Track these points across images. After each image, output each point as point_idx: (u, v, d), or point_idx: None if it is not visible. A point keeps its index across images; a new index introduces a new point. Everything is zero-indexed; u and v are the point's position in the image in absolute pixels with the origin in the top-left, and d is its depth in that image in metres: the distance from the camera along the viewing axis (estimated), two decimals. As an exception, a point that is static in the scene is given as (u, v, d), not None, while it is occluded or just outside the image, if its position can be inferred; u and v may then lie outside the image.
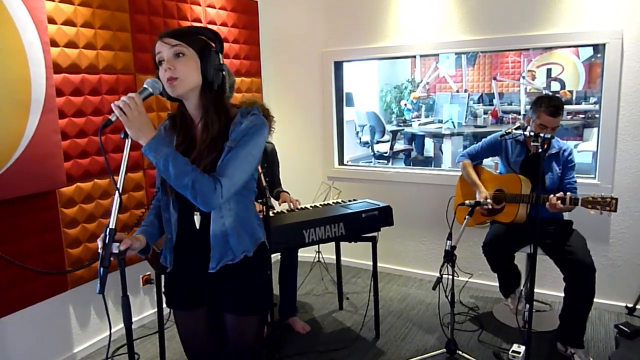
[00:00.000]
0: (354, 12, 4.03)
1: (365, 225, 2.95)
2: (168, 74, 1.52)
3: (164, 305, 3.26)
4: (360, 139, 4.42)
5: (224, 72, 1.57)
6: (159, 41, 1.53)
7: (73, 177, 2.78)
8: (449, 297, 2.69)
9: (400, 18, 3.85)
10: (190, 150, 1.60)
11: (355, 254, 4.26)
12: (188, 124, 1.63)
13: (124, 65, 3.02)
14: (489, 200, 2.88)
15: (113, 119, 1.44)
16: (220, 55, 1.58)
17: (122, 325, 3.15)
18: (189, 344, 1.79)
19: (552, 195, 2.68)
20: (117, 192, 1.46)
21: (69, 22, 2.70)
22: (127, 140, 1.47)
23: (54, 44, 2.62)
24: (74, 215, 2.81)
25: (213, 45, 1.58)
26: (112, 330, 3.16)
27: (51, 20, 2.61)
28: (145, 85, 1.54)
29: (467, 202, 2.80)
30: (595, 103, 3.38)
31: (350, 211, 2.94)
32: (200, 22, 3.51)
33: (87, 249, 2.89)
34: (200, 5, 3.51)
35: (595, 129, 3.40)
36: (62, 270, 2.77)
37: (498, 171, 3.23)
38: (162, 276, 2.76)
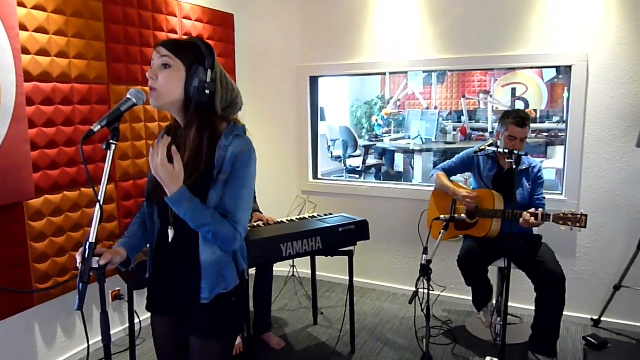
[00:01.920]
0: (330, 28, 4.08)
1: (342, 239, 2.95)
2: (149, 82, 1.51)
3: (140, 320, 3.16)
4: (332, 153, 4.45)
5: (208, 91, 1.51)
6: (154, 49, 1.52)
7: (42, 189, 2.68)
8: (425, 311, 2.71)
9: (376, 36, 3.92)
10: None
11: (329, 269, 4.25)
12: (177, 135, 1.61)
13: (97, 75, 2.95)
14: (463, 216, 2.93)
15: (95, 129, 1.41)
16: (210, 73, 1.51)
17: (91, 342, 3.06)
18: (160, 348, 1.78)
19: (525, 212, 2.76)
20: (98, 204, 1.41)
21: (41, 30, 2.63)
22: (109, 152, 1.44)
23: (25, 51, 2.54)
24: (41, 228, 2.70)
25: (205, 61, 1.52)
26: (81, 348, 3.04)
27: (23, 27, 2.53)
28: (128, 96, 1.51)
29: (442, 216, 2.84)
30: (558, 122, 3.52)
31: (328, 225, 2.94)
32: (176, 33, 3.48)
33: (54, 264, 2.78)
34: (176, 16, 3.48)
35: (558, 147, 3.54)
36: (29, 286, 2.65)
37: (471, 187, 3.30)
38: (135, 291, 2.71)
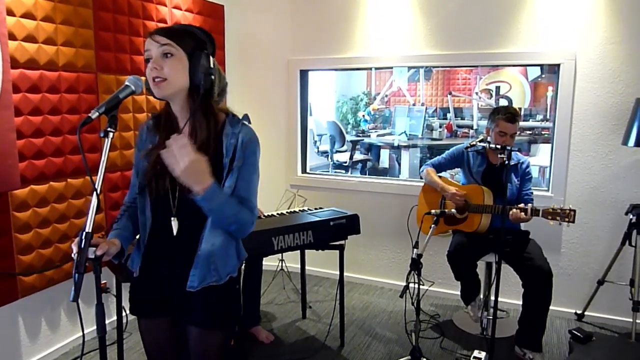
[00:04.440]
0: (321, 21, 4.06)
1: (333, 233, 2.94)
2: (154, 73, 1.47)
3: (127, 313, 3.12)
4: (318, 148, 4.44)
5: (213, 77, 1.52)
6: (149, 38, 1.48)
7: (27, 178, 2.62)
8: (415, 305, 2.73)
9: (368, 30, 3.91)
10: None
11: (316, 263, 4.24)
12: (173, 125, 1.58)
13: (85, 63, 2.88)
14: (453, 210, 2.95)
15: (93, 116, 1.37)
16: (212, 59, 1.53)
17: (76, 336, 3.01)
18: (152, 352, 1.73)
19: (514, 207, 2.79)
20: (95, 193, 1.38)
21: (28, 15, 2.55)
22: (106, 140, 1.40)
23: (11, 37, 2.46)
24: (26, 219, 2.64)
25: (205, 47, 1.52)
26: (66, 342, 2.99)
27: (9, 12, 2.45)
28: (127, 83, 1.48)
29: (433, 211, 2.86)
30: (541, 120, 3.57)
31: (319, 219, 2.93)
32: (166, 23, 3.42)
33: (39, 256, 2.71)
34: (166, 6, 3.42)
35: (542, 145, 3.59)
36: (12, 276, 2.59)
37: (460, 183, 3.33)
38: (123, 284, 2.67)
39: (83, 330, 1.39)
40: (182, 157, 1.37)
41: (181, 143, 1.38)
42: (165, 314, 1.65)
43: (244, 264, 3.17)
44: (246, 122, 1.59)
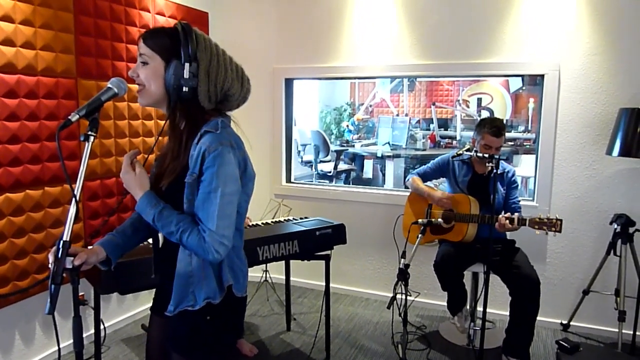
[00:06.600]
0: (306, 30, 4.04)
1: (319, 243, 2.89)
2: (136, 80, 1.43)
3: (105, 326, 3.00)
4: (302, 158, 4.40)
5: (185, 88, 1.38)
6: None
7: (2, 186, 2.52)
8: (402, 316, 2.69)
9: (354, 40, 3.91)
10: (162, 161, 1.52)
11: (300, 274, 4.18)
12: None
13: (65, 68, 2.80)
14: (440, 220, 2.93)
15: (73, 119, 1.31)
16: (188, 66, 1.38)
17: (51, 350, 2.89)
18: (148, 349, 1.69)
19: (501, 216, 2.78)
20: (73, 200, 1.31)
21: (6, 18, 2.48)
22: (87, 144, 1.34)
23: (-12, 40, 2.39)
24: (1, 228, 2.53)
25: (187, 53, 1.39)
26: (41, 357, 2.86)
27: (-14, 15, 2.38)
28: (109, 85, 1.42)
29: (420, 220, 2.83)
30: (523, 131, 3.60)
31: (304, 229, 2.88)
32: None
33: (14, 267, 2.61)
34: (149, 12, 3.36)
35: (523, 156, 3.61)
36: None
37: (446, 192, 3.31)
38: (101, 296, 2.58)
39: (59, 345, 1.31)
40: (122, 172, 1.43)
41: (129, 153, 1.44)
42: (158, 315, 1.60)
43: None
44: (210, 130, 1.39)
